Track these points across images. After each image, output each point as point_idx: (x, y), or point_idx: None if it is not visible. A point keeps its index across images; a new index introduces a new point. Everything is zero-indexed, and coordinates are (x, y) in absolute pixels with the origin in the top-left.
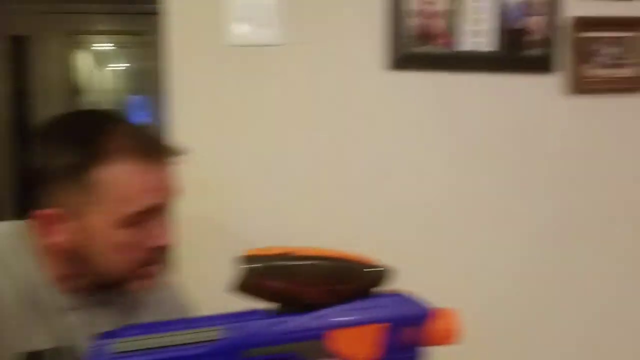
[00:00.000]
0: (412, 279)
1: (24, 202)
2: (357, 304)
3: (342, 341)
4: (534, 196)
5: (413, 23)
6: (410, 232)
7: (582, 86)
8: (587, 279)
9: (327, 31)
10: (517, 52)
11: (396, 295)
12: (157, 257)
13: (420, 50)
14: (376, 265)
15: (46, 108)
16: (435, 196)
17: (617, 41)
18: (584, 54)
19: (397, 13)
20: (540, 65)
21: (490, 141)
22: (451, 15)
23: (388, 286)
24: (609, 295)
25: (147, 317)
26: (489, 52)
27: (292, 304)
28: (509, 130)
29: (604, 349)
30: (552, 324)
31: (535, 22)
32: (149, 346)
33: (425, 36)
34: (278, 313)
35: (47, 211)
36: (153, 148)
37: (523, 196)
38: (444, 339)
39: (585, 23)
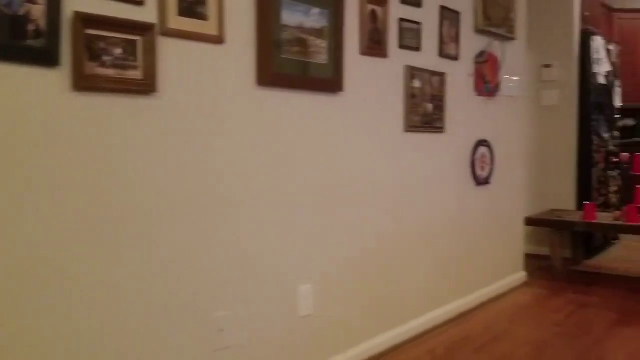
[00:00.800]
0: None
1: None
2: None
3: None
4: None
5: None
6: None
7: (88, 84)
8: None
9: None
10: (15, 41)
11: None
12: None
13: None
14: None
15: None
16: None
17: (127, 43)
18: (90, 51)
19: None
20: (42, 57)
21: None
22: None
23: None
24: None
25: None
26: None
27: None
28: (6, 125)
29: None
30: None
31: (37, 12)
32: None
33: None
34: None
35: None
36: None
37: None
38: None
39: (93, 20)
